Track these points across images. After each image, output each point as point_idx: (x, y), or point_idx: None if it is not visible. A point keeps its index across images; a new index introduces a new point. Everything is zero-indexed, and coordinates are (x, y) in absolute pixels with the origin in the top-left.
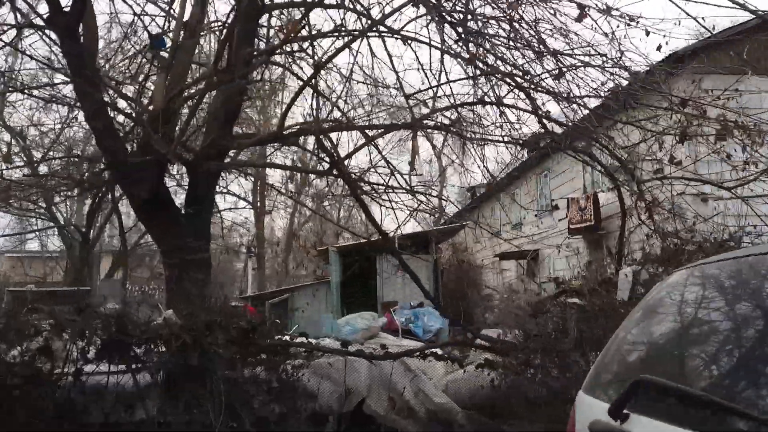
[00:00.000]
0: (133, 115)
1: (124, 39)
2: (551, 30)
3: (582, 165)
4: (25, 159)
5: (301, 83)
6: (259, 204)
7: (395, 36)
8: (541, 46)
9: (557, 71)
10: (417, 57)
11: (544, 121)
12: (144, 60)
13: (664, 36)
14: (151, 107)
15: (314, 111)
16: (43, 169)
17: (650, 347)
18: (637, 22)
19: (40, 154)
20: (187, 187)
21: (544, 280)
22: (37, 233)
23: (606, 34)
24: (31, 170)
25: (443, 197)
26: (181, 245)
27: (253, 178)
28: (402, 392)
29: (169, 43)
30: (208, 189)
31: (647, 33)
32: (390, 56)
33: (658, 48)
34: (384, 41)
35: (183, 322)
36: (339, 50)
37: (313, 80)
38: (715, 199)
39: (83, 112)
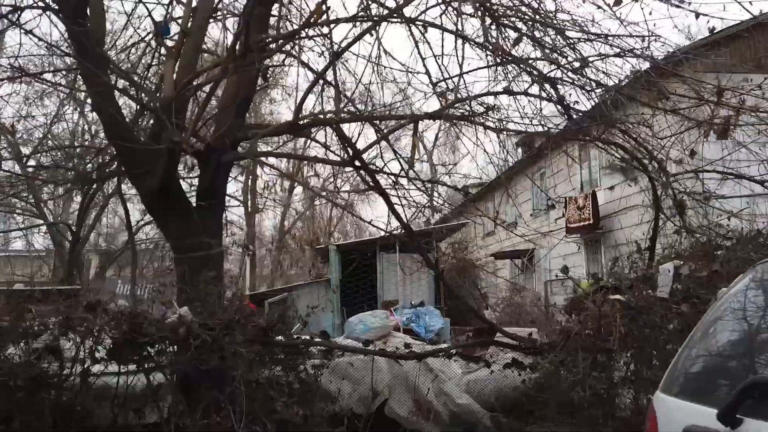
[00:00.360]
0: (144, 102)
1: (127, 25)
2: (576, 19)
3: (578, 164)
4: (11, 153)
5: (313, 74)
6: (250, 202)
7: (417, 23)
8: (561, 36)
9: (582, 61)
10: (431, 47)
11: (571, 111)
12: (148, 48)
13: (708, 21)
14: (160, 95)
15: (333, 101)
16: (32, 164)
17: (743, 344)
18: (689, 2)
19: (29, 150)
20: (198, 180)
21: (553, 278)
22: (25, 231)
23: (633, 23)
24: (20, 166)
25: (459, 188)
26: (194, 240)
27: (243, 176)
28: (426, 393)
29: (175, 30)
30: (221, 181)
31: (697, 15)
32: (416, 42)
33: (711, 31)
34: (410, 28)
35: (200, 320)
36: (359, 37)
37: (331, 68)
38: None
39: (90, 99)
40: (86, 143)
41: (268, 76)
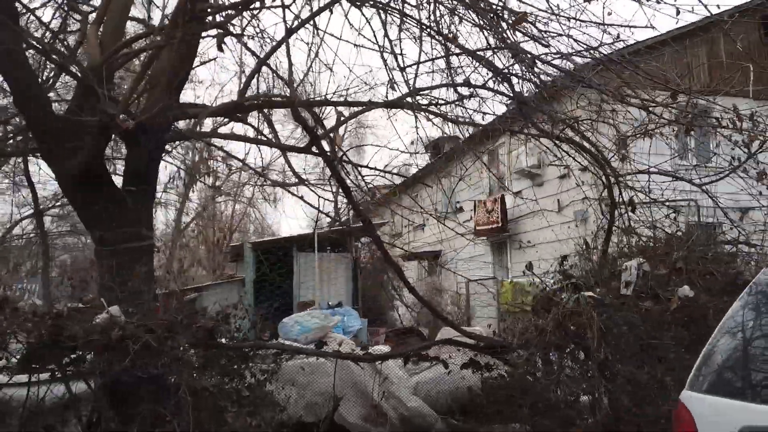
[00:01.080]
0: (66, 65)
1: None
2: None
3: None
4: None
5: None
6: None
7: (376, 4)
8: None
9: (534, 58)
10: (387, 35)
11: (525, 108)
12: (59, 11)
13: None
14: (82, 61)
15: (289, 79)
16: None
17: None
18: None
19: None
20: (125, 161)
21: (473, 278)
22: None
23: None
24: None
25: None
26: (125, 231)
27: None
28: (381, 398)
29: None
30: (155, 164)
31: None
32: (385, 25)
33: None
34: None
35: (137, 321)
36: (318, 11)
37: (285, 45)
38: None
39: None
40: None
41: (222, 46)
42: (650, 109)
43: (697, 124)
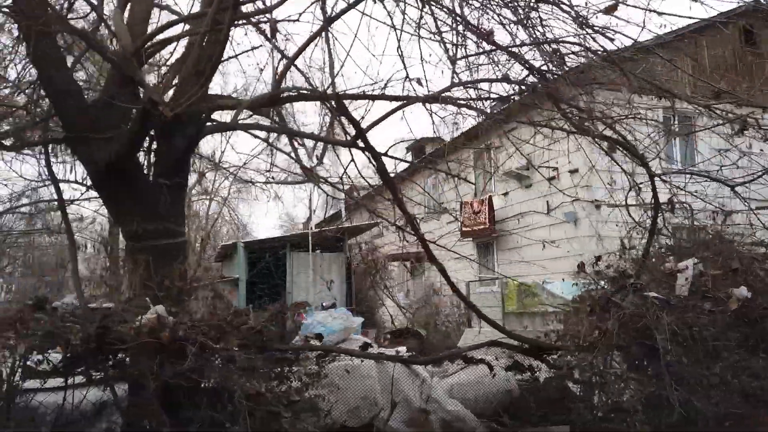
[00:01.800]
0: (104, 50)
1: None
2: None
3: (473, 170)
4: None
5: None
6: None
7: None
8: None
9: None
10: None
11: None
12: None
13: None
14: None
15: (329, 71)
16: None
17: None
18: None
19: None
20: (156, 154)
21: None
22: None
23: None
24: None
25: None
26: (156, 227)
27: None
28: (422, 402)
29: None
30: (186, 156)
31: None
32: (421, 11)
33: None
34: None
35: (189, 322)
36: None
37: (325, 33)
38: (611, 206)
39: (26, 41)
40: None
41: (275, 34)
42: (700, 107)
43: (750, 125)
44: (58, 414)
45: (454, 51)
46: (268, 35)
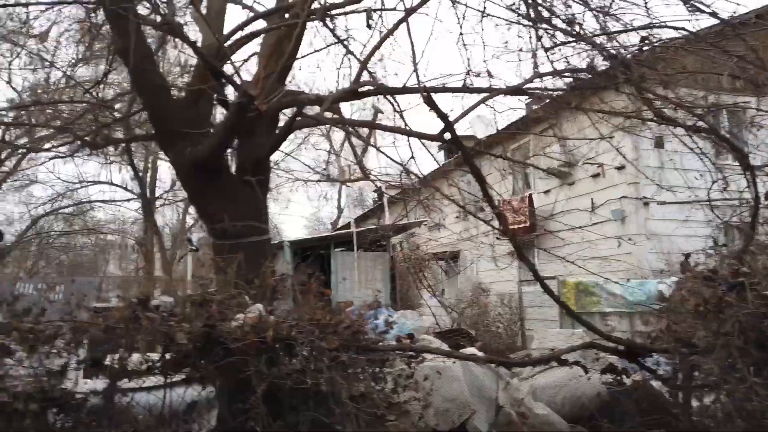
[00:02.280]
0: (194, 44)
1: None
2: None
3: (513, 169)
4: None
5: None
6: (149, 193)
7: None
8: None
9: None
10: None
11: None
12: None
13: None
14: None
15: (414, 65)
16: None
17: None
18: None
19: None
20: (241, 149)
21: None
22: None
23: None
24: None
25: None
26: (244, 224)
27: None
28: (510, 405)
29: None
30: (271, 153)
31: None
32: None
33: None
34: None
35: (291, 320)
36: None
37: (405, 25)
38: (659, 203)
39: (116, 39)
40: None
41: (370, 23)
42: None
43: None
44: (158, 414)
45: (538, 42)
46: (337, 34)
